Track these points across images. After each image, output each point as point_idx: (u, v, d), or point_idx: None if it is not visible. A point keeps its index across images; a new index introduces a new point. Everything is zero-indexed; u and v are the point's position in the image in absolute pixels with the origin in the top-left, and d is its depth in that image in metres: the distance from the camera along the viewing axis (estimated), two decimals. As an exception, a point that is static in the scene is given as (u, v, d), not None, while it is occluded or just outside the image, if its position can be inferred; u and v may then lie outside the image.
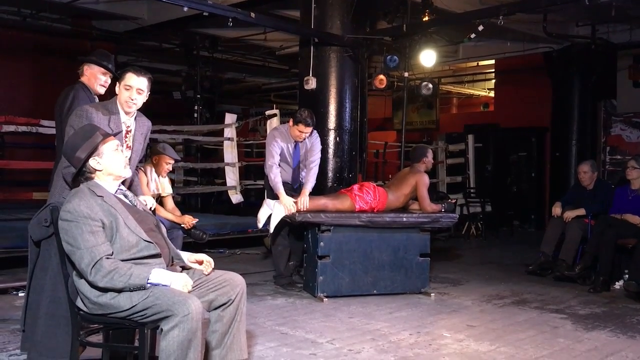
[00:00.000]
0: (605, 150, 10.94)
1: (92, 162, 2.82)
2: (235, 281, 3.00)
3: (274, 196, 5.60)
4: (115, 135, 3.04)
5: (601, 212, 6.39)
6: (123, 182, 3.03)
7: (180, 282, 2.74)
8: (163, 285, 2.69)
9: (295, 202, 5.37)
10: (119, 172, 2.89)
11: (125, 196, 2.96)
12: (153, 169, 5.48)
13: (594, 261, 6.18)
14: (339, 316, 4.80)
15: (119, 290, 2.66)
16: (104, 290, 2.67)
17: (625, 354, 4.01)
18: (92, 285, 2.67)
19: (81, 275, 2.72)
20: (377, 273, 5.51)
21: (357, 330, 4.40)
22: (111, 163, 2.85)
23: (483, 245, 9.82)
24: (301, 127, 5.58)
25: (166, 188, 5.61)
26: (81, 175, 2.84)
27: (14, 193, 8.20)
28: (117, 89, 3.43)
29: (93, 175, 2.84)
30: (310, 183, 5.64)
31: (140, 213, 2.96)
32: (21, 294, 5.09)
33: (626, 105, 10.68)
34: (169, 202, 5.64)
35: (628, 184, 6.42)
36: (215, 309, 2.95)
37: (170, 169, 5.68)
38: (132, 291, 2.65)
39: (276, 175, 5.50)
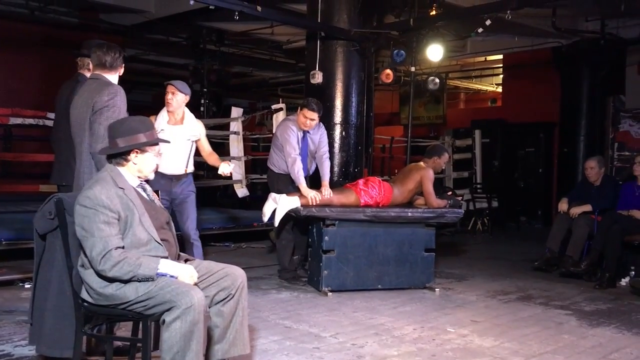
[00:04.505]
0: (613, 146, 10.86)
1: (132, 155, 2.87)
2: (236, 275, 3.01)
3: (278, 190, 5.60)
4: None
5: (608, 208, 6.36)
6: None
7: (187, 274, 2.78)
8: (171, 276, 2.73)
9: (318, 193, 5.42)
10: (148, 174, 2.97)
11: (144, 189, 3.00)
12: (161, 114, 4.96)
13: (600, 257, 6.16)
14: (343, 310, 4.80)
15: (127, 281, 2.68)
16: (111, 280, 2.69)
17: (630, 350, 3.99)
18: (100, 275, 2.69)
19: (87, 266, 2.74)
20: (382, 268, 5.50)
21: (360, 324, 4.40)
22: (146, 164, 2.92)
23: (489, 241, 9.80)
24: (306, 111, 5.58)
25: (189, 131, 4.96)
26: (115, 157, 2.89)
27: (21, 185, 8.23)
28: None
29: (125, 164, 2.89)
30: (327, 175, 5.75)
31: (157, 210, 3.00)
32: (27, 286, 5.12)
33: (635, 101, 10.57)
34: (205, 146, 5.14)
35: (635, 180, 6.39)
36: (216, 304, 2.97)
37: (180, 100, 4.89)
38: (139, 281, 2.68)
39: (299, 169, 5.51)
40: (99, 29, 10.55)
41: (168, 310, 2.63)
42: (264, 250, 7.78)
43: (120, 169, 2.89)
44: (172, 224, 3.12)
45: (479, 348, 3.93)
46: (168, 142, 3.26)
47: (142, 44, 12.35)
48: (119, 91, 3.57)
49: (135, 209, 2.80)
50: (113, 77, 3.71)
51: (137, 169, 2.91)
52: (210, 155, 5.12)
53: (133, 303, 2.70)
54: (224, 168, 4.88)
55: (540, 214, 12.41)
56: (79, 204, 2.72)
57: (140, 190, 2.94)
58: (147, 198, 2.98)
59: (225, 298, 2.97)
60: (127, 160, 2.88)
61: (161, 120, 4.92)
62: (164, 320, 2.65)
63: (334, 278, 5.36)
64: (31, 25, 10.08)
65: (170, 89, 4.89)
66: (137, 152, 2.88)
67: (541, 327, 4.48)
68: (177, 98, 4.89)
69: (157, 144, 2.95)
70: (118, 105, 3.50)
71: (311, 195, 5.36)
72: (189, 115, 5.04)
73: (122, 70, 3.78)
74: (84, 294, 2.83)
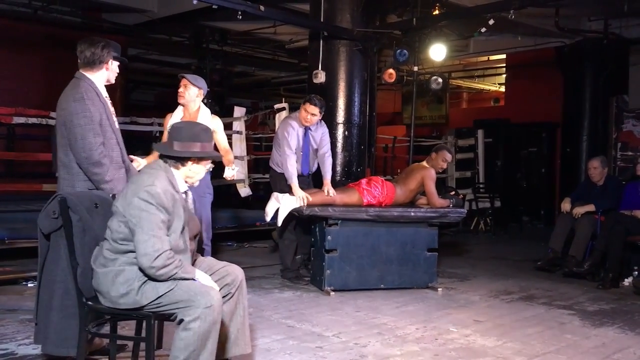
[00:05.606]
0: (616, 146, 10.86)
1: (189, 162, 2.89)
2: (236, 273, 3.04)
3: (281, 190, 5.60)
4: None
5: (611, 208, 6.35)
6: None
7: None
8: None
9: (314, 193, 5.42)
10: (194, 182, 2.99)
11: (186, 197, 3.02)
12: (176, 111, 4.88)
13: (603, 258, 6.15)
14: (345, 310, 4.80)
15: (167, 280, 2.69)
16: (152, 278, 2.69)
17: (633, 350, 3.99)
18: (143, 272, 2.69)
19: (107, 264, 2.73)
20: (385, 267, 5.50)
21: (363, 324, 4.40)
22: (197, 174, 2.95)
23: (492, 241, 9.79)
24: (307, 105, 5.57)
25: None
26: (171, 159, 2.88)
27: (24, 184, 8.25)
28: (110, 65, 3.55)
29: (180, 168, 2.89)
30: (329, 173, 5.71)
31: (193, 220, 3.03)
32: (30, 285, 5.13)
33: (638, 101, 10.56)
34: (221, 143, 4.96)
35: (638, 180, 6.38)
36: None
37: (192, 94, 4.81)
38: (175, 280, 2.71)
39: (292, 166, 5.49)
40: (102, 28, 10.55)
41: (185, 308, 2.65)
42: (266, 249, 7.79)
43: (175, 171, 2.89)
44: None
45: (481, 348, 3.93)
46: (220, 157, 3.20)
47: (144, 43, 12.37)
48: (85, 95, 3.34)
49: (183, 216, 2.82)
50: (96, 76, 3.47)
51: (188, 175, 2.93)
52: (225, 154, 4.98)
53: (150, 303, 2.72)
54: (227, 172, 4.83)
55: (543, 214, 12.40)
56: (139, 197, 2.69)
57: (183, 195, 2.96)
58: (190, 207, 3.02)
59: (226, 296, 2.98)
60: (183, 165, 2.89)
61: (175, 118, 4.85)
62: (181, 320, 2.66)
63: (337, 277, 5.36)
64: (34, 24, 10.10)
65: (183, 81, 4.84)
66: (195, 160, 2.89)
67: (544, 327, 4.48)
68: (190, 91, 4.80)
69: (207, 158, 2.94)
70: (83, 112, 3.31)
71: (300, 195, 5.34)
72: (204, 112, 4.92)
73: (108, 67, 3.51)
74: (101, 298, 2.80)
